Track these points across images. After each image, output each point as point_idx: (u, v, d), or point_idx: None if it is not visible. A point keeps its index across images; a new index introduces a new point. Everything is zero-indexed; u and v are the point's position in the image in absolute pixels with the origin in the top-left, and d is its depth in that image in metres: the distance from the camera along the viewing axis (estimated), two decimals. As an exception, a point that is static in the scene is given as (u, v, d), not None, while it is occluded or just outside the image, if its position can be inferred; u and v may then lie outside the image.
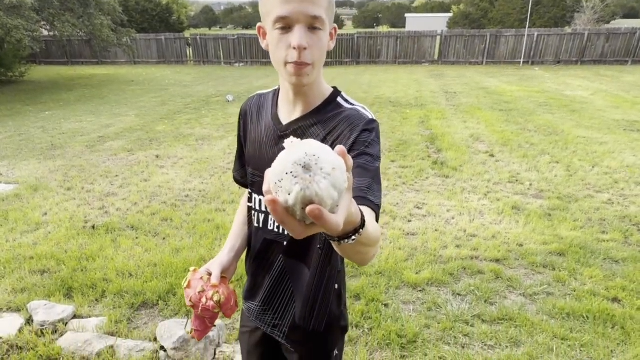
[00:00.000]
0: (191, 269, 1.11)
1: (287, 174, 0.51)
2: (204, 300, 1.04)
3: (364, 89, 11.98)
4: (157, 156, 5.82)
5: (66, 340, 2.26)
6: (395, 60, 19.33)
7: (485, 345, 2.36)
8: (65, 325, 2.40)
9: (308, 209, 0.50)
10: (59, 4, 12.20)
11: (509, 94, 10.83)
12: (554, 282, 2.95)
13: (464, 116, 8.24)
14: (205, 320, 1.10)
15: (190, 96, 11.03)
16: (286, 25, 0.92)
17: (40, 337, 2.31)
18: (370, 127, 1.00)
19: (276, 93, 1.15)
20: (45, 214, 4.01)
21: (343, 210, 0.56)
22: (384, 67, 18.39)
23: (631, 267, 3.10)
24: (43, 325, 2.38)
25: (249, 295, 1.24)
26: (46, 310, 2.48)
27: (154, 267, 3.08)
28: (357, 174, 0.91)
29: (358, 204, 0.78)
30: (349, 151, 0.96)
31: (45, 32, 14.27)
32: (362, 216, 0.69)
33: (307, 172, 0.51)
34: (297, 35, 0.91)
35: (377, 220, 0.87)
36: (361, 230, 0.68)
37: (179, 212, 4.04)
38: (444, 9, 59.89)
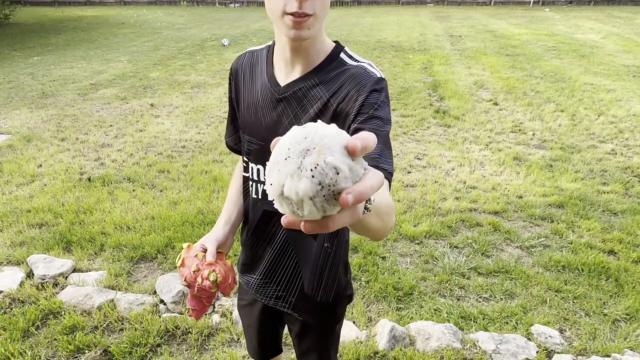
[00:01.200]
0: (184, 245, 1.05)
1: (285, 159, 0.46)
2: (199, 280, 0.98)
3: (365, 32, 11.47)
4: (152, 105, 5.67)
5: (67, 294, 2.29)
6: (398, 1, 18.38)
7: (480, 297, 2.40)
8: (66, 279, 2.43)
9: (340, 201, 0.44)
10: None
11: (516, 37, 10.39)
12: (551, 235, 2.96)
13: (468, 62, 7.94)
14: (202, 299, 1.05)
15: (184, 40, 10.58)
16: None
17: (41, 290, 2.34)
18: (379, 87, 0.90)
19: (270, 49, 1.03)
20: (40, 165, 3.96)
21: (371, 173, 0.48)
22: (387, 8, 17.52)
23: (629, 220, 3.10)
24: (43, 279, 2.40)
25: (246, 268, 1.19)
26: (46, 264, 2.50)
27: (151, 220, 3.07)
28: None
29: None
30: (357, 115, 0.88)
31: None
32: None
33: (304, 156, 0.45)
34: None
35: (389, 187, 0.82)
36: (369, 204, 0.61)
37: (176, 164, 3.99)
38: (452, -58, 55.88)
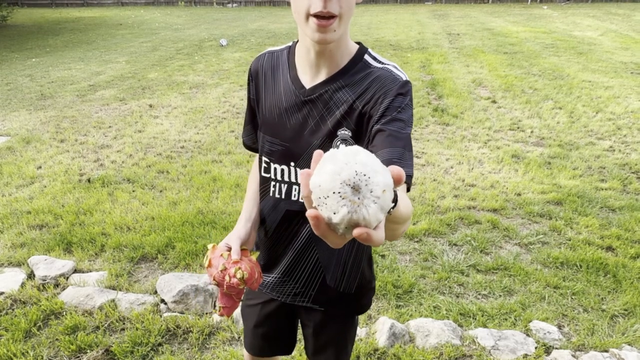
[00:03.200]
0: (209, 246, 1.08)
1: (334, 193, 0.48)
2: (227, 278, 1.01)
3: (363, 31, 11.48)
4: (151, 105, 5.67)
5: (68, 295, 2.30)
6: (396, -1, 18.39)
7: (479, 294, 2.41)
8: (67, 280, 2.44)
9: (356, 232, 0.48)
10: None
11: (514, 35, 10.40)
12: (549, 232, 2.97)
13: (466, 60, 7.95)
14: (232, 296, 1.08)
15: (182, 40, 10.58)
16: None
17: (42, 291, 2.35)
18: (405, 91, 0.92)
19: (291, 51, 1.03)
20: (40, 167, 3.96)
21: (384, 222, 0.53)
22: (385, 7, 17.52)
23: (627, 216, 3.11)
24: (44, 280, 2.41)
25: (264, 268, 1.19)
26: (47, 265, 2.50)
27: (151, 220, 3.08)
28: (388, 143, 0.86)
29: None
30: (381, 117, 0.89)
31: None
32: (395, 194, 0.64)
33: (356, 194, 0.48)
34: None
35: (408, 189, 0.84)
36: (391, 209, 0.63)
37: (175, 164, 4.00)
38: (450, -60, 55.88)
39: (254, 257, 1.09)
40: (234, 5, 18.96)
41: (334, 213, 0.48)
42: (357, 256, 1.12)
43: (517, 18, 13.43)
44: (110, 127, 4.94)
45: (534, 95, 5.84)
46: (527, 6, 16.60)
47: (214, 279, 1.03)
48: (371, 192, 0.48)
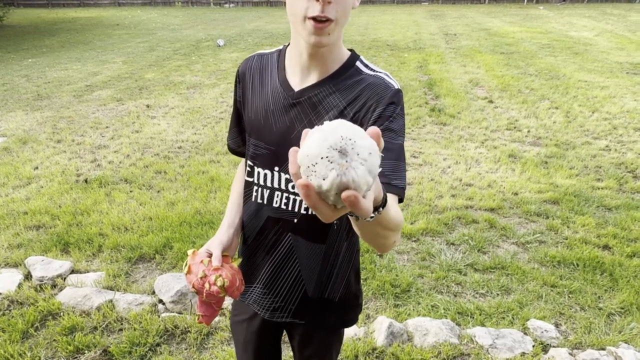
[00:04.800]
0: (189, 251, 1.03)
1: (322, 158, 0.49)
2: (207, 286, 0.97)
3: (360, 31, 11.50)
4: (148, 106, 5.66)
5: (65, 295, 2.29)
6: (393, 0, 18.41)
7: (477, 293, 2.42)
8: (64, 281, 2.43)
9: (344, 194, 0.48)
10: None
11: (511, 35, 10.44)
12: (546, 231, 2.98)
13: (463, 60, 7.97)
14: (212, 304, 1.03)
15: (179, 41, 10.56)
16: None
17: (39, 292, 2.34)
18: (396, 100, 0.91)
19: (281, 54, 1.02)
20: (37, 167, 3.95)
21: (372, 194, 0.53)
22: (382, 7, 17.54)
23: (623, 215, 3.13)
24: (42, 281, 2.41)
25: (244, 278, 1.16)
26: (44, 266, 2.50)
27: (149, 220, 3.08)
28: None
29: (385, 190, 0.76)
30: (374, 125, 0.89)
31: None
32: (385, 195, 0.65)
33: (343, 157, 0.49)
34: None
35: (402, 199, 0.84)
36: (381, 208, 0.64)
37: (173, 164, 3.99)
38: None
39: (235, 264, 1.05)
40: (231, 5, 18.95)
41: (324, 179, 0.49)
42: (343, 264, 1.09)
43: (513, 18, 13.48)
44: (107, 127, 4.93)
45: (530, 95, 5.86)
46: (524, 6, 16.66)
47: (193, 287, 0.98)
48: (358, 154, 0.49)
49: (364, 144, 0.49)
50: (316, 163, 0.49)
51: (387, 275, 2.50)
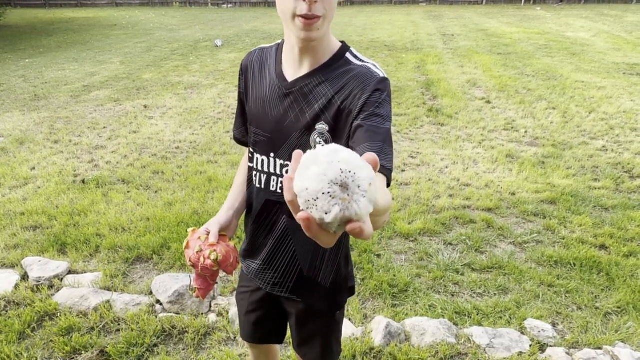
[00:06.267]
0: (189, 229, 1.11)
1: (323, 194, 0.48)
2: (202, 259, 1.05)
3: (358, 32, 11.51)
4: (145, 106, 5.65)
5: (62, 296, 2.29)
6: (391, 0, 18.44)
7: (475, 293, 2.43)
8: (61, 281, 2.42)
9: (349, 227, 0.48)
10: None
11: (508, 36, 10.47)
12: (544, 231, 2.99)
13: (461, 60, 7.99)
14: (206, 278, 1.11)
15: (177, 41, 10.55)
16: None
17: (36, 293, 2.33)
18: (382, 87, 0.95)
19: (280, 47, 1.07)
20: (34, 168, 3.94)
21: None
22: (380, 8, 17.57)
23: (620, 215, 3.14)
24: (39, 282, 2.40)
25: (248, 254, 1.24)
26: (41, 267, 2.49)
27: (146, 221, 3.07)
28: (367, 138, 0.88)
29: None
30: (359, 112, 0.93)
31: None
32: None
33: (345, 191, 0.48)
34: None
35: (389, 184, 0.85)
36: None
37: (170, 165, 3.99)
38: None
39: (232, 243, 1.12)
40: (229, 6, 18.94)
41: (326, 213, 0.48)
42: (333, 250, 1.15)
43: (510, 19, 13.51)
44: (104, 127, 4.92)
45: (527, 95, 5.88)
46: (521, 7, 16.71)
47: (189, 260, 1.07)
48: (359, 187, 0.48)
49: (363, 175, 0.49)
50: (317, 198, 0.48)
51: (385, 275, 2.50)
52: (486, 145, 4.36)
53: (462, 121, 4.99)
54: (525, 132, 4.69)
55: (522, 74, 6.93)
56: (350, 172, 0.48)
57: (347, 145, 0.95)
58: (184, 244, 1.09)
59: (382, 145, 0.87)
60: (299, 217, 0.49)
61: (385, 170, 0.84)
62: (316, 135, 1.00)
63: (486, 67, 7.39)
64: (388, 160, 0.86)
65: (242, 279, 1.33)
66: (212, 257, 1.04)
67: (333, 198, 0.48)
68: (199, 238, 1.07)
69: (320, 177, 0.48)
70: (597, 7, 16.32)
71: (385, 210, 0.71)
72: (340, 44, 1.03)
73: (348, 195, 0.48)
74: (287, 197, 0.50)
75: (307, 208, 0.49)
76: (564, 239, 2.88)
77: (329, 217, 0.48)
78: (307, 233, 0.50)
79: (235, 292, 1.38)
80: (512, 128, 4.80)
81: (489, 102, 5.66)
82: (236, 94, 1.20)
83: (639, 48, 8.75)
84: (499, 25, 12.20)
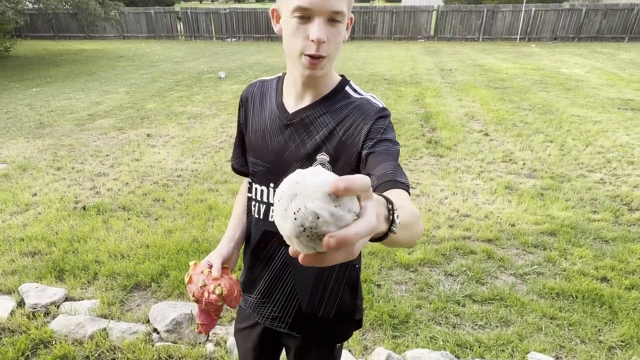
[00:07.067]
0: (191, 263, 1.09)
1: (284, 211, 0.49)
2: (206, 294, 1.02)
3: (358, 65, 11.81)
4: (148, 135, 5.73)
5: (58, 323, 2.25)
6: (390, 36, 19.03)
7: (476, 325, 2.39)
8: (57, 308, 2.39)
9: (324, 245, 0.46)
10: (43, -24, 11.77)
11: (504, 71, 10.74)
12: (544, 262, 2.98)
13: (459, 94, 8.17)
14: (210, 313, 1.09)
15: (181, 72, 10.81)
16: (306, 15, 0.88)
17: (32, 320, 2.30)
18: (384, 115, 0.98)
19: (280, 80, 1.10)
20: (35, 194, 3.96)
21: (370, 211, 0.50)
22: (380, 43, 18.09)
23: (620, 247, 3.14)
24: (35, 308, 2.37)
25: (245, 287, 1.22)
26: (37, 293, 2.46)
27: (146, 248, 3.06)
28: (381, 160, 0.91)
29: (390, 188, 0.79)
30: (365, 141, 0.95)
31: (30, 5, 13.80)
32: (392, 206, 0.62)
33: (295, 199, 0.48)
34: (317, 29, 0.87)
35: (409, 195, 0.87)
36: (396, 219, 0.61)
37: (171, 193, 4.01)
38: (441, -18, 58.57)
39: (235, 276, 1.10)
40: (233, 39, 19.51)
41: (295, 233, 0.48)
42: (337, 281, 1.12)
43: (506, 55, 13.90)
44: (107, 155, 4.97)
45: (525, 128, 5.97)
46: (516, 44, 17.22)
47: (193, 295, 1.04)
48: (309, 193, 0.48)
49: (307, 182, 0.48)
50: (285, 221, 0.48)
51: (385, 306, 2.48)
52: (485, 176, 4.40)
53: (461, 153, 5.05)
54: (524, 164, 4.74)
55: (518, 108, 7.07)
56: (296, 183, 0.48)
57: (355, 173, 0.97)
58: (186, 279, 1.07)
59: (395, 165, 0.90)
60: (290, 254, 0.50)
61: (404, 185, 0.87)
62: (317, 165, 1.01)
63: (484, 101, 7.55)
64: (404, 177, 0.89)
65: (240, 314, 1.30)
66: (217, 291, 1.02)
67: (287, 210, 0.48)
68: (202, 272, 1.05)
69: (278, 200, 0.49)
70: (590, 44, 16.83)
71: (413, 221, 0.71)
72: (340, 78, 1.06)
73: (299, 201, 0.47)
74: (291, 251, 0.51)
75: (291, 243, 0.50)
76: (564, 271, 2.87)
77: (298, 233, 0.48)
78: (308, 264, 0.49)
79: (233, 324, 1.34)
80: (511, 160, 4.86)
81: (487, 134, 5.75)
82: None
83: (632, 84, 8.97)
84: (495, 61, 12.53)
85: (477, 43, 17.94)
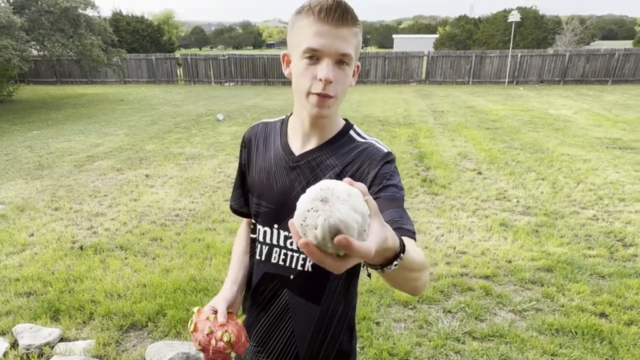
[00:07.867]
0: (194, 309, 1.05)
1: (308, 211, 0.55)
2: (213, 342, 0.98)
3: (353, 108, 12.14)
4: (147, 175, 5.80)
5: (52, 364, 2.21)
6: (383, 80, 19.66)
7: (477, 362, 2.36)
8: (52, 349, 2.35)
9: (336, 240, 0.52)
10: (49, 24, 12.26)
11: (494, 112, 11.07)
12: (542, 298, 2.98)
13: (451, 134, 8.38)
14: None
15: (180, 115, 11.05)
16: (315, 56, 0.92)
17: (25, 361, 2.25)
18: (389, 159, 1.01)
19: (284, 122, 1.12)
20: (32, 234, 3.95)
21: (374, 236, 0.57)
22: (373, 87, 18.67)
23: (617, 282, 3.15)
24: (28, 350, 2.32)
25: None
26: (32, 334, 2.43)
27: (143, 287, 3.04)
28: (388, 206, 0.92)
29: (399, 235, 0.79)
30: (372, 185, 0.97)
31: (35, 52, 14.27)
32: (402, 241, 0.70)
33: (325, 203, 0.55)
34: (325, 68, 0.91)
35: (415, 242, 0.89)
36: (402, 254, 0.69)
37: (169, 232, 4.02)
38: (430, 30, 61.45)
39: (240, 321, 1.07)
40: (231, 84, 20.09)
41: (315, 228, 0.54)
42: (338, 325, 1.11)
43: (496, 97, 14.37)
44: (105, 195, 5.01)
45: (517, 167, 6.11)
46: (505, 87, 17.83)
47: (199, 344, 0.99)
48: (338, 197, 0.55)
49: (340, 188, 0.56)
50: (306, 218, 0.55)
51: (385, 344, 2.45)
52: (480, 214, 4.46)
53: (456, 191, 5.14)
54: (517, 201, 4.82)
55: (510, 147, 7.25)
56: (328, 188, 0.56)
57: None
58: (191, 327, 1.01)
59: (402, 212, 0.92)
60: (299, 243, 0.55)
61: (411, 232, 0.89)
62: None
63: (476, 141, 7.74)
64: (410, 223, 0.91)
65: None
66: (225, 338, 0.97)
67: (317, 212, 0.55)
68: (208, 318, 1.00)
69: (304, 200, 0.56)
70: (576, 87, 17.46)
71: (419, 264, 0.77)
72: (344, 122, 1.08)
73: (329, 205, 0.55)
74: (295, 239, 0.57)
75: (305, 234, 0.56)
76: (563, 307, 2.87)
77: (318, 232, 0.54)
78: (311, 259, 0.55)
79: None
80: (504, 198, 4.94)
81: (480, 173, 5.87)
82: (236, 164, 1.24)
83: (618, 124, 9.26)
84: (485, 103, 12.94)
85: (467, 86, 18.57)
